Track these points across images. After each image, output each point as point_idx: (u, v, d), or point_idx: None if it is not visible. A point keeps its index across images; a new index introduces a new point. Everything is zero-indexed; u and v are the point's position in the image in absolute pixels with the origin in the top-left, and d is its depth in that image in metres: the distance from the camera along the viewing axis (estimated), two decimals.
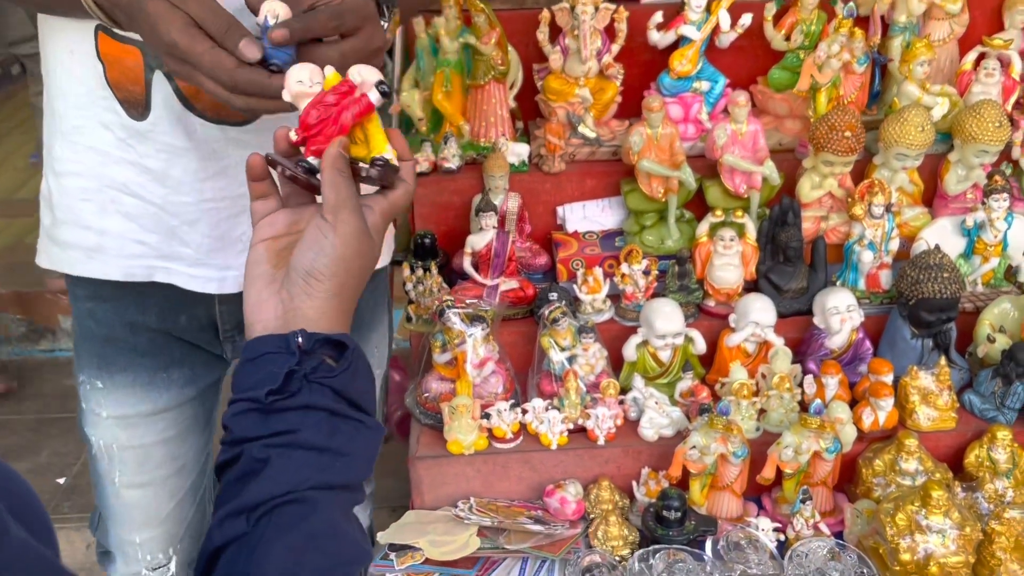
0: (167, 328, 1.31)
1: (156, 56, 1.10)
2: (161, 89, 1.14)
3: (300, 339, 0.75)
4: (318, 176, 0.85)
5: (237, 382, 0.77)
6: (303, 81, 0.85)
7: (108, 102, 1.15)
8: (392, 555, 1.42)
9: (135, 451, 1.36)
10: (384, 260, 1.44)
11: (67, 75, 1.16)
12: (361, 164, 0.85)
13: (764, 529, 1.45)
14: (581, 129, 1.79)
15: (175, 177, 1.19)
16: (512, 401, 1.55)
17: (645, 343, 1.60)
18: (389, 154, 0.86)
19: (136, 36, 1.07)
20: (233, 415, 0.76)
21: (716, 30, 1.81)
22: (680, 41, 1.81)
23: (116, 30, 1.07)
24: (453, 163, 1.75)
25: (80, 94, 1.17)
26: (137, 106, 1.15)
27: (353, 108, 0.84)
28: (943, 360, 1.57)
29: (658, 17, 1.80)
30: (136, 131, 1.16)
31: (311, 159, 0.86)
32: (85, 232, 1.24)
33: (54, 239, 1.28)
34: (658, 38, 1.82)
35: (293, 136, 0.87)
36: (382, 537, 1.45)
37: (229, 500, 0.72)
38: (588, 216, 1.82)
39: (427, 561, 1.41)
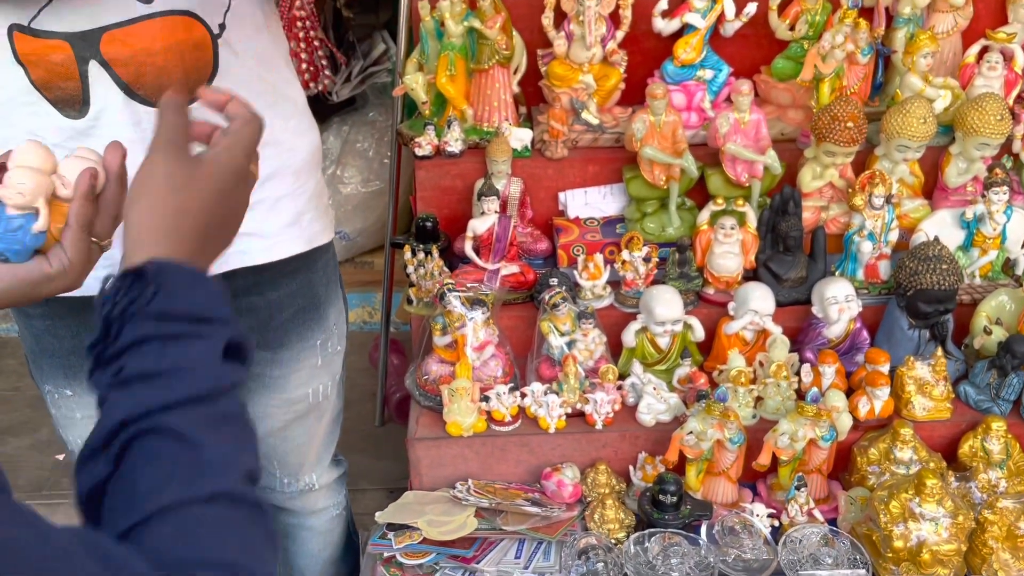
0: None
1: (88, 45, 1.04)
2: (100, 80, 1.08)
3: (107, 284, 0.75)
4: None
5: None
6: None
7: (34, 107, 1.09)
8: (390, 534, 1.44)
9: None
10: (327, 236, 1.40)
11: None
12: None
13: (759, 515, 1.47)
14: (584, 115, 1.79)
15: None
16: (511, 385, 1.56)
17: (644, 329, 1.61)
18: None
19: (62, 28, 1.00)
20: (89, 380, 0.75)
21: (721, 18, 1.81)
22: (684, 29, 1.81)
23: (35, 24, 1.01)
24: (456, 147, 1.76)
25: None
26: (73, 103, 1.09)
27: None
28: (939, 351, 1.58)
29: (663, 4, 1.80)
30: (75, 131, 1.10)
31: None
32: None
33: None
34: (663, 25, 1.82)
35: None
36: (380, 517, 1.46)
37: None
38: (590, 202, 1.82)
39: (425, 541, 1.42)
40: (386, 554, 1.42)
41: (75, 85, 1.08)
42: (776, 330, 1.61)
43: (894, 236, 1.70)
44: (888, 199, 1.67)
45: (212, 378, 0.73)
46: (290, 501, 1.65)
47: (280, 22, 1.26)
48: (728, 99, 1.79)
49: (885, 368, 1.54)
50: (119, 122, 1.11)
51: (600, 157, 1.81)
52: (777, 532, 1.45)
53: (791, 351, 1.60)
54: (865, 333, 1.64)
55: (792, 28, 1.83)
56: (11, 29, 1.04)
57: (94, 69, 1.08)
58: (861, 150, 1.72)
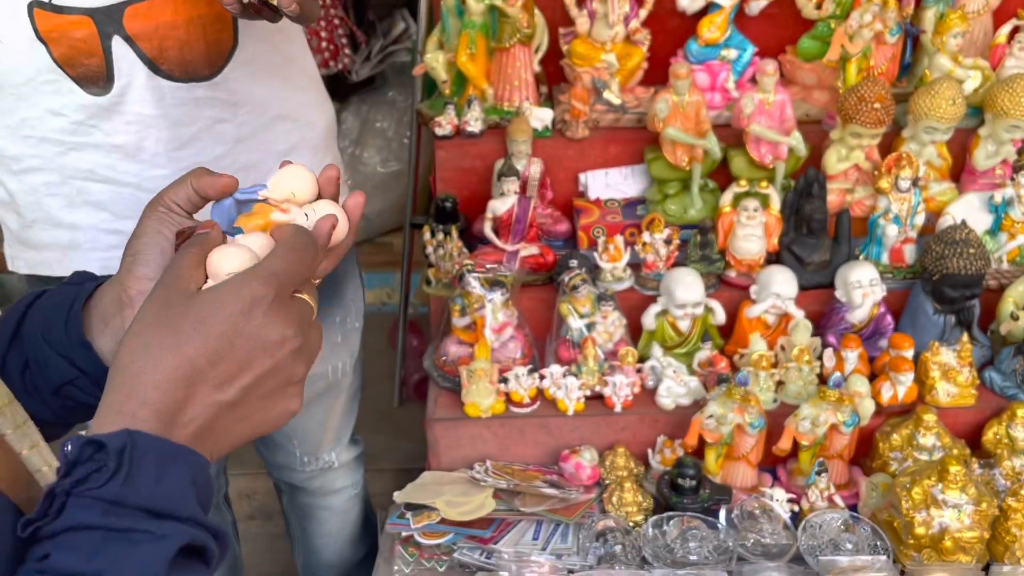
0: None
1: (111, 20, 1.04)
2: (124, 55, 1.08)
3: (68, 446, 0.62)
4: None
5: None
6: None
7: (57, 85, 1.08)
8: (408, 514, 1.44)
9: None
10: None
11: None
12: None
13: (778, 500, 1.45)
14: (606, 95, 1.77)
15: (148, 150, 1.14)
16: (530, 366, 1.55)
17: (665, 312, 1.60)
18: None
19: (84, 3, 1.01)
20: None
21: None
22: (709, 7, 1.78)
23: (57, 0, 1.01)
24: (476, 127, 1.74)
25: (19, 84, 1.09)
26: (97, 80, 1.09)
27: None
28: (965, 337, 1.56)
29: None
30: (100, 108, 1.11)
31: None
32: (57, 230, 1.18)
33: (26, 242, 1.22)
34: (687, 4, 1.79)
35: None
36: (399, 497, 1.46)
37: None
38: (611, 183, 1.81)
39: (443, 521, 1.42)
40: (404, 534, 1.43)
41: (99, 61, 1.08)
42: (798, 314, 1.59)
43: (920, 219, 1.67)
44: (915, 182, 1.64)
45: None
46: (309, 481, 1.66)
47: None
48: (753, 79, 1.77)
49: (909, 353, 1.52)
50: (143, 98, 1.11)
51: (622, 137, 1.79)
52: (797, 517, 1.44)
53: (813, 335, 1.59)
54: (889, 318, 1.62)
55: (819, 7, 1.79)
56: (31, 6, 1.04)
57: (118, 44, 1.07)
58: (888, 132, 1.69)
